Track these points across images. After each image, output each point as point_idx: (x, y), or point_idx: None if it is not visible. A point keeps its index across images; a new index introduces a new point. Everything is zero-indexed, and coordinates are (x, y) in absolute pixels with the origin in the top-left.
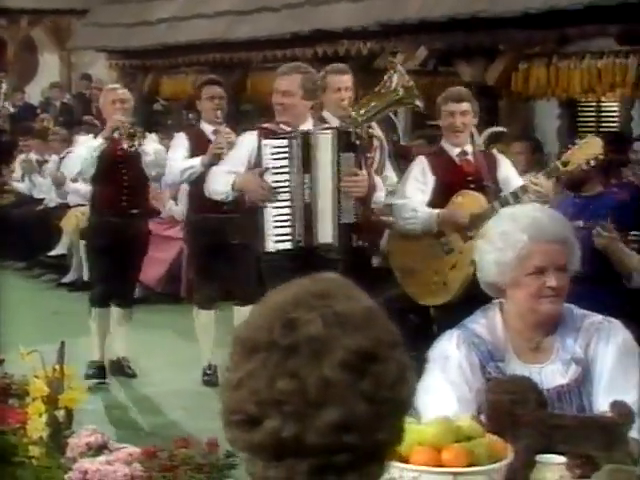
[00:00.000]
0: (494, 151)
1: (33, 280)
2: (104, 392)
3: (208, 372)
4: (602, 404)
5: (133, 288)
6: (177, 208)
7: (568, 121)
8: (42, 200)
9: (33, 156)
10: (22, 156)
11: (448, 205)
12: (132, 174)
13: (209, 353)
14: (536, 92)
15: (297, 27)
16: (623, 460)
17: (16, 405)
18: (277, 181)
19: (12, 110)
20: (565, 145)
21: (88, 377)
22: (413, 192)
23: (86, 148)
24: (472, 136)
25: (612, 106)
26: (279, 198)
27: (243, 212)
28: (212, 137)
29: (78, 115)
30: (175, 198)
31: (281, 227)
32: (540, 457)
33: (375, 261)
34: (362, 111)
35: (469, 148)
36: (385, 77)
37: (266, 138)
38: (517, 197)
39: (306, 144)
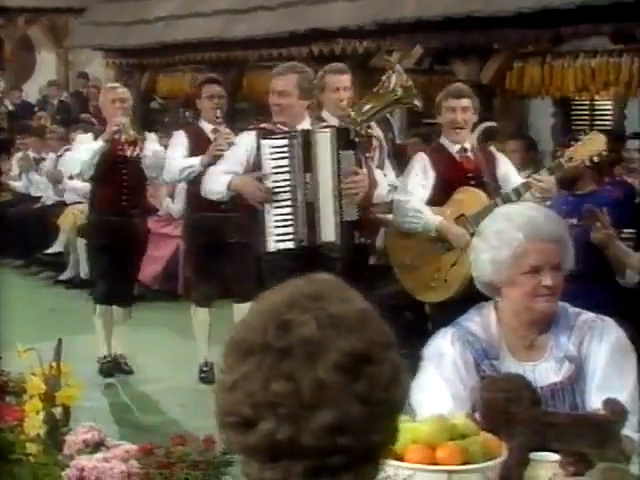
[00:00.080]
0: (492, 148)
1: (31, 277)
2: (102, 389)
3: (205, 369)
4: (595, 402)
5: (133, 287)
6: (174, 206)
7: (562, 119)
8: (39, 198)
9: (30, 154)
10: (19, 154)
11: (449, 202)
12: (132, 174)
13: (206, 350)
14: (530, 91)
15: (293, 26)
16: (616, 458)
17: (13, 402)
18: (277, 181)
19: (11, 108)
20: (559, 143)
21: (103, 373)
22: (415, 188)
23: (85, 151)
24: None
25: (605, 105)
26: (279, 198)
27: (241, 211)
28: (211, 136)
29: (75, 113)
30: (172, 196)
31: (282, 227)
32: (534, 455)
33: (372, 258)
34: (361, 111)
35: (468, 145)
36: (383, 77)
37: (264, 138)
38: (519, 194)
39: (306, 143)
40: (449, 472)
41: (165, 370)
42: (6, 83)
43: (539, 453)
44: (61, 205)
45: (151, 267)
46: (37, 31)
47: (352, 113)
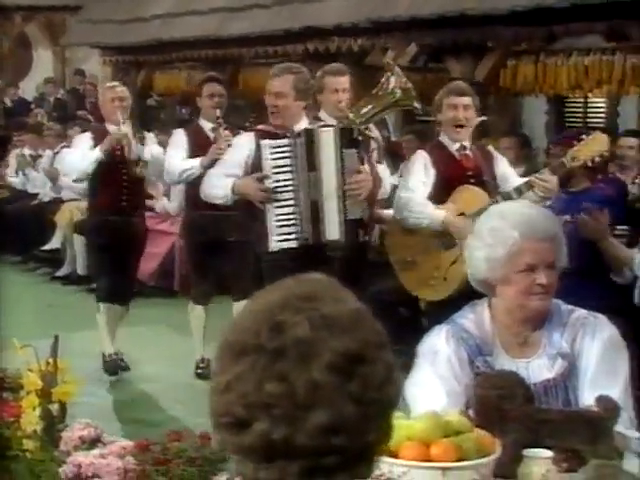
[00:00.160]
0: (490, 147)
1: (28, 274)
2: (99, 385)
3: (201, 365)
4: (588, 398)
5: (133, 285)
6: (170, 204)
7: (556, 117)
8: (36, 195)
9: (27, 151)
10: (16, 151)
11: (449, 200)
12: (131, 173)
13: (202, 347)
14: (524, 88)
15: (288, 24)
16: (608, 454)
17: (10, 399)
18: (278, 181)
19: (9, 104)
20: (552, 140)
21: (108, 371)
22: (416, 185)
23: (83, 159)
24: None
25: (599, 102)
26: (281, 197)
27: (240, 210)
28: (211, 134)
29: (72, 110)
30: (168, 194)
31: (285, 226)
32: (527, 451)
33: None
34: (359, 113)
35: (468, 143)
36: (382, 79)
37: (263, 139)
38: (521, 192)
39: (309, 142)
40: (443, 469)
41: (162, 366)
42: (3, 80)
43: (532, 450)
44: (58, 202)
45: (147, 264)
46: (34, 29)
47: (350, 115)
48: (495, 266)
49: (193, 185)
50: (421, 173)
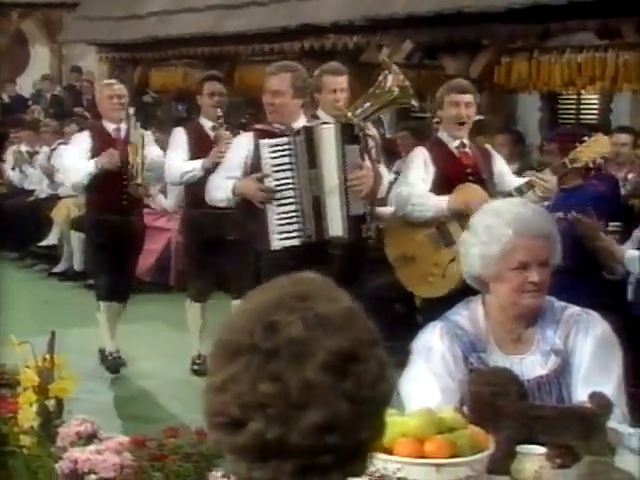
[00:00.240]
0: (488, 146)
1: (25, 270)
2: (96, 382)
3: (197, 361)
4: (581, 395)
5: (131, 283)
6: (166, 201)
7: (549, 113)
8: (33, 191)
9: (24, 147)
10: (13, 147)
11: (451, 196)
12: (132, 191)
13: (198, 343)
14: (518, 85)
15: (285, 21)
16: (601, 450)
17: (7, 395)
18: (278, 179)
19: (7, 100)
20: (546, 137)
21: (110, 369)
22: (416, 181)
23: (78, 163)
24: None
25: (592, 99)
26: (282, 196)
27: (240, 209)
28: (211, 133)
29: (69, 107)
30: (164, 191)
31: (287, 224)
32: (520, 448)
33: None
34: (357, 111)
35: (467, 140)
36: (380, 77)
37: (262, 138)
38: (522, 192)
39: (310, 139)
40: (437, 465)
41: (159, 363)
42: (0, 77)
43: (526, 446)
44: (55, 198)
45: (144, 260)
46: (31, 25)
47: (349, 114)
48: (489, 263)
49: (193, 184)
50: (421, 169)
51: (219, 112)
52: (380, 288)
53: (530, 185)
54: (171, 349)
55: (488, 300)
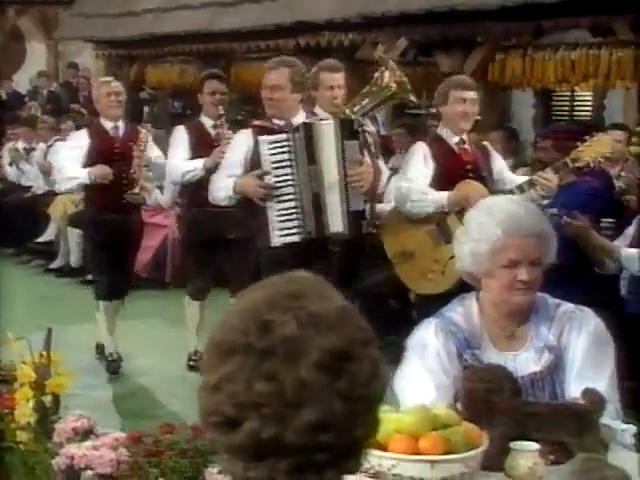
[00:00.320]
0: (486, 143)
1: (22, 266)
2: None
3: (194, 358)
4: (574, 391)
5: (130, 281)
6: (162, 197)
7: (543, 110)
8: (30, 187)
9: (21, 144)
10: (10, 144)
11: (451, 192)
12: (130, 169)
13: (195, 340)
14: (512, 82)
15: (280, 19)
16: (594, 446)
17: (4, 391)
18: (278, 176)
19: (4, 97)
20: (539, 133)
21: (109, 370)
22: (416, 176)
23: (70, 178)
24: None
25: (585, 96)
26: (282, 192)
27: (240, 206)
28: (212, 131)
29: (65, 103)
30: (160, 187)
31: (287, 221)
32: (514, 444)
33: None
34: (355, 109)
35: (466, 137)
36: (376, 74)
37: (261, 135)
38: (523, 190)
39: (309, 135)
40: (432, 462)
41: (156, 359)
42: None
43: (519, 442)
44: (51, 194)
45: (141, 256)
46: (27, 22)
47: (347, 110)
48: (479, 260)
49: (192, 183)
50: (420, 164)
51: (221, 110)
52: (375, 284)
53: (531, 183)
54: (168, 345)
55: (482, 297)
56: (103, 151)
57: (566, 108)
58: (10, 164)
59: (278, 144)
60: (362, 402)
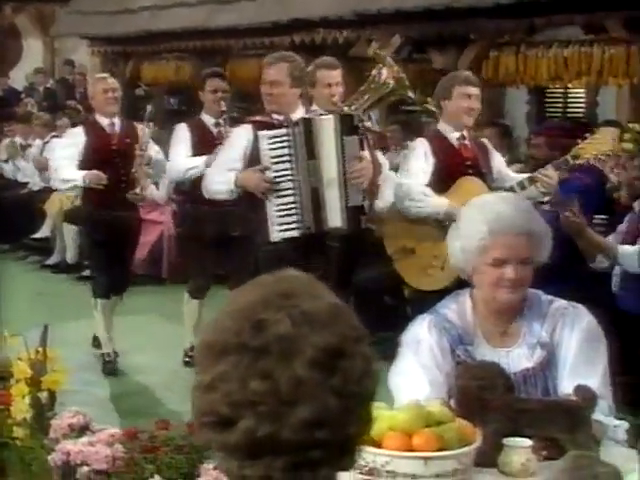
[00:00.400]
0: (485, 140)
1: (18, 262)
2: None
3: (190, 354)
4: (566, 387)
5: (128, 278)
6: (158, 192)
7: (536, 107)
8: (26, 184)
9: (17, 140)
10: (6, 140)
11: (451, 190)
12: (129, 167)
13: (192, 336)
14: (506, 79)
15: (275, 16)
16: (587, 442)
17: (0, 387)
18: (277, 171)
19: (1, 93)
20: (533, 130)
21: (106, 371)
22: (417, 172)
23: (65, 180)
24: None
25: (578, 93)
26: (282, 187)
27: (239, 203)
28: (214, 129)
29: (61, 100)
30: (156, 183)
31: (286, 216)
32: (507, 440)
33: None
34: (353, 107)
35: (467, 133)
36: (374, 72)
37: (261, 130)
38: (524, 187)
39: (308, 131)
40: (425, 458)
41: (153, 355)
42: None
43: (512, 439)
44: (48, 191)
45: (137, 252)
46: (24, 19)
47: (345, 108)
48: (468, 257)
49: (191, 181)
50: (421, 159)
51: (223, 107)
52: (369, 280)
53: (532, 180)
54: (165, 341)
55: (475, 293)
56: (99, 148)
57: (559, 105)
58: (6, 160)
59: (277, 139)
60: (355, 399)
